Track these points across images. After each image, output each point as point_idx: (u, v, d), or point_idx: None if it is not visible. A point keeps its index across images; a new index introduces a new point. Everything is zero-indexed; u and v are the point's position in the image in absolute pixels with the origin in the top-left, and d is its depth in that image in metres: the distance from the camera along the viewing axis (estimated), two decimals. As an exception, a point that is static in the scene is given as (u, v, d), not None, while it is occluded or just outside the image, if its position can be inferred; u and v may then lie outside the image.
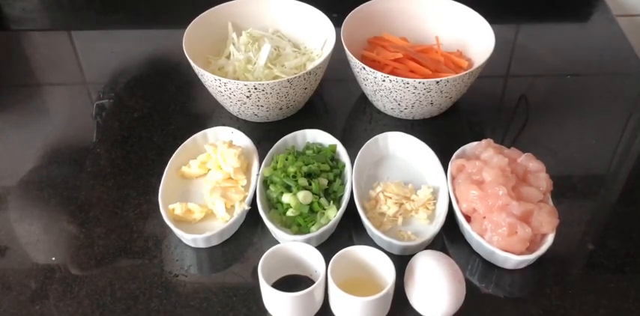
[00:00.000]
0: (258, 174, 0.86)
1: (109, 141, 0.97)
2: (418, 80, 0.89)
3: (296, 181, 0.82)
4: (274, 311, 0.74)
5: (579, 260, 0.82)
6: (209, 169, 0.88)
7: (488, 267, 0.80)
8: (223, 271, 0.81)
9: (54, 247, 0.83)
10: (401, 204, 0.84)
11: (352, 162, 0.86)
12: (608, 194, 0.91)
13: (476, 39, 0.99)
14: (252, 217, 0.84)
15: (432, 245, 0.82)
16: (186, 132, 0.93)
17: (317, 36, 1.01)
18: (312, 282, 0.73)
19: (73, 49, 1.17)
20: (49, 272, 0.80)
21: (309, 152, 0.88)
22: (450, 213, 0.82)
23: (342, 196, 0.84)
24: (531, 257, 0.76)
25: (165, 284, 0.79)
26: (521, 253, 0.77)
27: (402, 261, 0.76)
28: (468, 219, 0.81)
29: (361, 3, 1.01)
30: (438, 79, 0.89)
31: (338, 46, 0.94)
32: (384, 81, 0.91)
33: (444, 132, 0.98)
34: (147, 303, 0.77)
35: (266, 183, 0.85)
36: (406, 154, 0.91)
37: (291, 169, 0.83)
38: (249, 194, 0.84)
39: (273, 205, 0.84)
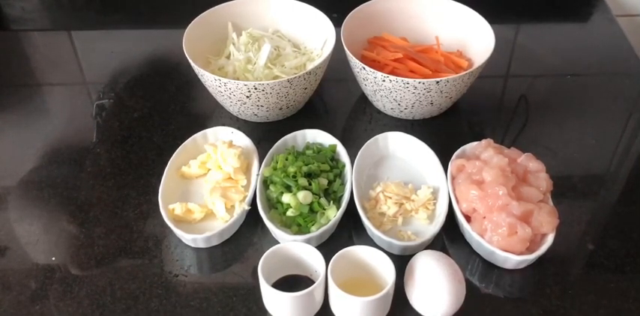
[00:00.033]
0: (258, 174, 0.86)
1: (109, 141, 0.97)
2: (418, 80, 0.89)
3: (296, 181, 0.82)
4: (274, 311, 0.74)
5: (579, 260, 0.83)
6: (209, 169, 0.88)
7: (488, 267, 0.80)
8: (223, 271, 0.81)
9: (54, 247, 0.83)
10: (401, 204, 0.84)
11: (352, 162, 0.86)
12: (608, 194, 0.91)
13: (476, 39, 0.99)
14: (252, 217, 0.84)
15: (432, 245, 0.82)
16: (186, 132, 0.93)
17: (317, 36, 1.02)
18: (312, 282, 0.73)
19: (73, 49, 1.17)
20: (49, 272, 0.80)
21: (309, 152, 0.88)
22: (450, 213, 0.82)
23: (342, 196, 0.84)
24: (531, 257, 0.76)
25: (165, 284, 0.79)
26: (521, 253, 0.77)
27: (402, 261, 0.76)
28: (468, 219, 0.81)
29: (361, 3, 1.01)
30: (438, 79, 0.89)
31: (338, 46, 0.94)
32: (384, 81, 0.91)
33: (444, 132, 0.98)
34: (147, 303, 0.77)
35: (266, 183, 0.85)
36: (406, 154, 0.91)
37: (291, 169, 0.83)
38: (249, 194, 0.84)
39: (273, 205, 0.84)
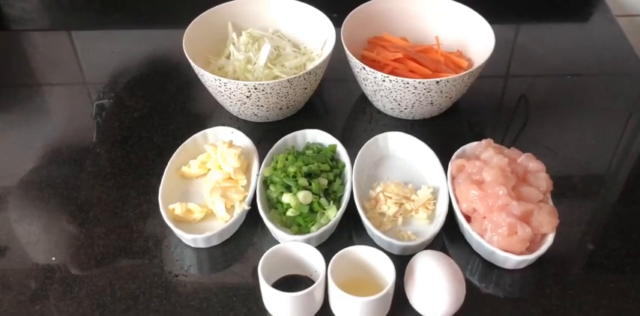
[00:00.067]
0: (258, 174, 0.86)
1: (109, 141, 0.97)
2: (418, 80, 0.89)
3: (296, 181, 0.82)
4: (274, 311, 0.74)
5: (579, 260, 0.83)
6: (209, 169, 0.88)
7: (488, 267, 0.80)
8: (223, 271, 0.81)
9: (54, 247, 0.83)
10: (401, 204, 0.84)
11: (352, 162, 0.86)
12: (608, 194, 0.91)
13: (476, 39, 0.99)
14: (252, 217, 0.84)
15: (432, 245, 0.82)
16: (186, 132, 0.93)
17: (317, 36, 1.01)
18: (312, 282, 0.73)
19: (73, 49, 1.17)
20: (49, 272, 0.80)
21: (309, 152, 0.88)
22: (450, 213, 0.82)
23: (342, 196, 0.84)
24: (531, 257, 0.76)
25: (165, 284, 0.79)
26: (521, 253, 0.77)
27: (402, 261, 0.76)
28: (468, 219, 0.81)
29: (361, 3, 1.01)
30: (438, 79, 0.89)
31: (338, 46, 0.94)
32: (384, 81, 0.91)
33: (444, 132, 0.98)
34: (147, 303, 0.77)
35: (266, 183, 0.85)
36: (406, 154, 0.91)
37: (291, 169, 0.83)
38: (249, 194, 0.84)
39: (273, 205, 0.84)
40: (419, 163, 0.90)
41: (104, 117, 1.01)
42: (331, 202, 0.82)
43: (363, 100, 1.03)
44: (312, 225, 0.80)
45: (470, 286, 0.75)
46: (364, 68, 0.91)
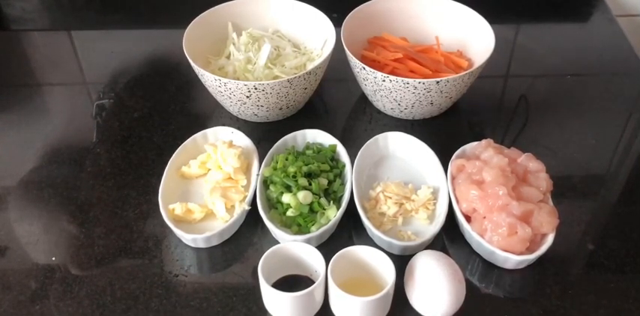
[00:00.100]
0: (258, 174, 0.86)
1: (109, 141, 0.97)
2: (418, 80, 0.89)
3: (296, 181, 0.82)
4: (274, 311, 0.74)
5: (579, 260, 0.83)
6: (209, 169, 0.88)
7: (488, 267, 0.80)
8: (223, 271, 0.81)
9: (54, 247, 0.83)
10: (401, 204, 0.84)
11: (352, 162, 0.86)
12: (608, 194, 0.91)
13: (476, 39, 0.99)
14: (252, 217, 0.84)
15: (432, 245, 0.82)
16: (186, 132, 0.93)
17: (317, 36, 1.01)
18: (312, 282, 0.73)
19: (73, 49, 1.17)
20: (49, 272, 0.80)
21: (309, 152, 0.88)
22: (450, 213, 0.82)
23: (342, 196, 0.84)
24: (531, 257, 0.76)
25: (165, 284, 0.79)
26: (521, 253, 0.77)
27: (402, 261, 0.76)
28: (468, 219, 0.81)
29: (361, 3, 1.01)
30: (438, 79, 0.89)
31: (338, 46, 0.94)
32: (384, 81, 0.91)
33: (444, 132, 0.98)
34: (147, 303, 0.77)
35: (266, 183, 0.85)
36: (406, 154, 0.91)
37: (291, 169, 0.83)
38: (249, 194, 0.84)
39: (273, 205, 0.84)
40: (419, 163, 0.90)
41: (104, 117, 1.01)
42: (331, 202, 0.82)
43: (363, 100, 1.03)
44: (312, 225, 0.80)
45: (470, 286, 0.75)
46: (364, 68, 0.91)
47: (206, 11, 1.00)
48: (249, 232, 0.84)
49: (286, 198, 0.81)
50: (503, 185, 0.78)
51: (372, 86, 0.94)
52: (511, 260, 0.77)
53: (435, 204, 0.85)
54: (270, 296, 0.72)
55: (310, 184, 0.82)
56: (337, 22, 0.98)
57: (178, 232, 0.80)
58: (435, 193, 0.85)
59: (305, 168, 0.83)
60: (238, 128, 0.92)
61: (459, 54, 1.03)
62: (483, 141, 0.87)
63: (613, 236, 0.84)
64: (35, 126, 1.00)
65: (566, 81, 1.09)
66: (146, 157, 0.94)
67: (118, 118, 1.01)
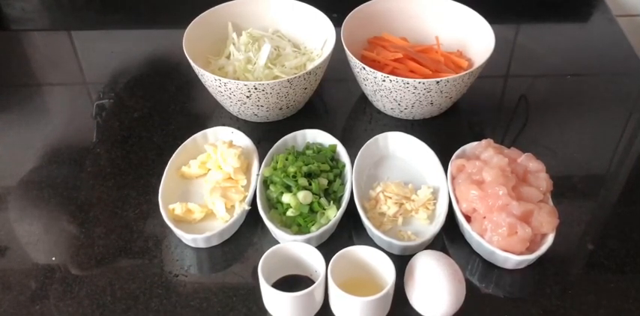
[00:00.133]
0: (258, 174, 0.86)
1: (109, 141, 0.97)
2: (418, 80, 0.89)
3: (296, 181, 0.82)
4: (274, 311, 0.74)
5: (579, 260, 0.83)
6: (209, 169, 0.88)
7: (488, 267, 0.80)
8: (223, 271, 0.81)
9: (54, 247, 0.83)
10: (401, 204, 0.84)
11: (352, 162, 0.86)
12: (608, 194, 0.91)
13: (476, 39, 0.99)
14: (252, 217, 0.84)
15: (432, 245, 0.82)
16: (186, 132, 0.93)
17: (317, 36, 1.01)
18: (312, 282, 0.73)
19: (73, 49, 1.17)
20: (49, 272, 0.80)
21: (309, 152, 0.88)
22: (450, 213, 0.82)
23: (342, 196, 0.84)
24: (531, 257, 0.76)
25: (165, 284, 0.79)
26: (521, 253, 0.77)
27: (402, 261, 0.76)
28: (468, 219, 0.81)
29: (361, 3, 1.01)
30: (438, 79, 0.89)
31: (338, 46, 0.94)
32: (384, 81, 0.91)
33: (444, 132, 0.98)
34: (147, 303, 0.77)
35: (266, 183, 0.85)
36: (406, 154, 0.91)
37: (291, 169, 0.83)
38: (249, 194, 0.84)
39: (273, 205, 0.84)
40: (419, 163, 0.90)
41: (104, 117, 1.01)
42: (331, 202, 0.82)
43: (363, 100, 1.03)
44: (312, 225, 0.80)
45: (470, 286, 0.75)
46: (364, 68, 0.91)
47: (206, 11, 1.00)
48: (249, 232, 0.84)
49: (286, 198, 0.81)
50: (503, 185, 0.78)
51: (372, 86, 0.94)
52: (511, 260, 0.77)
53: (435, 204, 0.85)
54: (270, 296, 0.72)
55: (310, 184, 0.82)
56: (337, 22, 0.98)
57: (178, 232, 0.80)
58: (435, 193, 0.85)
59: (305, 168, 0.83)
60: (238, 128, 0.92)
61: (459, 54, 1.03)
62: (483, 141, 0.87)
63: (613, 236, 0.84)
64: (35, 126, 1.00)
65: (566, 81, 1.09)
66: (146, 157, 0.94)
67: (118, 118, 1.01)
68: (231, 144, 0.87)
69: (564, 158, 0.94)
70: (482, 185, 0.80)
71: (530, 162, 0.83)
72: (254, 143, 0.90)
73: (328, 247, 0.80)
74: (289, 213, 0.81)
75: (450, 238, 0.83)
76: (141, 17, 1.24)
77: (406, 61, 0.99)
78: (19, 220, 0.87)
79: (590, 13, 1.23)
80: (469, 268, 0.80)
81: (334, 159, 0.89)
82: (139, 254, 0.82)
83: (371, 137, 0.90)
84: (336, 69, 0.99)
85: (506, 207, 0.77)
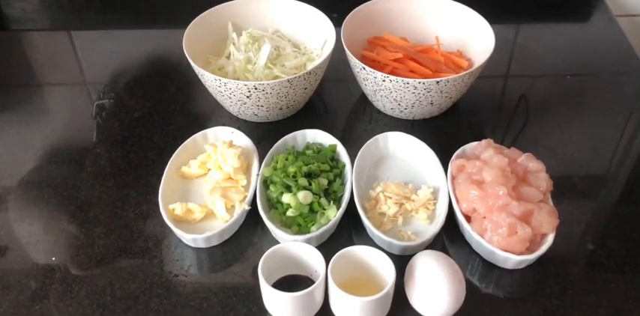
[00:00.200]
0: (258, 174, 0.86)
1: (109, 141, 0.97)
2: (418, 80, 0.89)
3: (296, 181, 0.82)
4: (274, 311, 0.74)
5: (579, 260, 0.83)
6: (209, 169, 0.88)
7: (488, 267, 0.80)
8: (223, 271, 0.81)
9: (54, 247, 0.83)
10: (401, 204, 0.84)
11: (352, 162, 0.86)
12: (608, 194, 0.91)
13: (476, 39, 0.99)
14: (252, 217, 0.84)
15: (432, 245, 0.82)
16: (186, 132, 0.93)
17: (317, 36, 1.01)
18: (312, 282, 0.73)
19: (73, 49, 1.17)
20: (49, 272, 0.80)
21: (309, 152, 0.88)
22: (450, 213, 0.82)
23: (342, 196, 0.84)
24: (531, 257, 0.76)
25: (165, 284, 0.79)
26: (521, 253, 0.77)
27: (402, 261, 0.76)
28: (468, 219, 0.81)
29: (361, 3, 1.01)
30: (438, 79, 0.89)
31: (338, 46, 0.94)
32: (384, 81, 0.91)
33: (444, 132, 0.98)
34: (147, 303, 0.77)
35: (266, 183, 0.85)
36: (406, 154, 0.91)
37: (291, 169, 0.83)
38: (249, 194, 0.84)
39: (273, 205, 0.84)
40: (419, 163, 0.90)
41: (104, 117, 1.01)
42: (331, 202, 0.82)
43: (363, 100, 1.03)
44: (312, 225, 0.80)
45: (470, 286, 0.75)
46: (364, 68, 0.91)
47: (206, 11, 1.00)
48: (249, 232, 0.84)
49: (286, 198, 0.81)
50: (503, 185, 0.78)
51: (372, 86, 0.94)
52: (511, 260, 0.77)
53: (435, 204, 0.85)
54: (270, 296, 0.72)
55: (310, 184, 0.82)
56: (337, 22, 0.98)
57: (178, 232, 0.80)
58: (435, 193, 0.85)
59: (305, 168, 0.83)
60: (238, 128, 0.92)
61: (459, 54, 1.03)
62: (483, 141, 0.87)
63: (613, 236, 0.84)
64: (35, 126, 1.00)
65: (566, 81, 1.08)
66: (146, 157, 0.94)
67: (118, 118, 1.01)
68: (231, 144, 0.87)
69: (564, 158, 0.94)
70: (482, 185, 0.80)
71: (530, 162, 0.83)
72: (254, 143, 0.90)
73: (328, 247, 0.80)
74: (289, 213, 0.81)
75: (450, 238, 0.83)
76: (141, 17, 1.24)
77: (406, 61, 0.99)
78: (19, 220, 0.87)
79: (590, 13, 1.23)
80: (469, 268, 0.80)
81: (334, 159, 0.89)
82: (139, 254, 0.82)
83: (371, 137, 0.90)
84: (336, 69, 0.99)
85: (506, 207, 0.77)
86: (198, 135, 0.91)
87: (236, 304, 0.77)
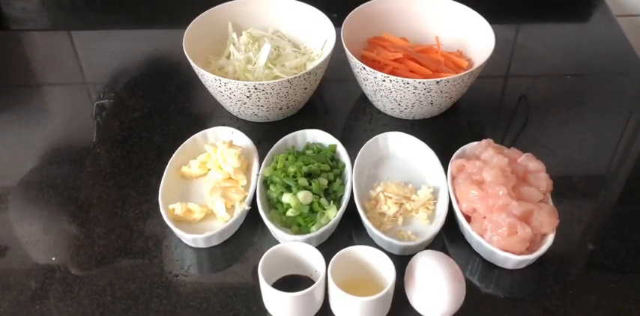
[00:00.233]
0: (258, 174, 0.86)
1: (109, 141, 0.97)
2: (418, 80, 0.89)
3: (296, 181, 0.82)
4: (274, 311, 0.74)
5: (579, 260, 0.83)
6: (209, 169, 0.88)
7: (488, 267, 0.80)
8: (223, 271, 0.81)
9: (54, 247, 0.83)
10: (401, 204, 0.84)
11: (352, 162, 0.86)
12: (608, 194, 0.91)
13: (476, 39, 0.99)
14: (252, 217, 0.84)
15: (432, 245, 0.82)
16: (186, 132, 0.93)
17: (317, 36, 1.02)
18: (312, 282, 0.73)
19: (73, 49, 1.17)
20: (49, 272, 0.80)
21: (309, 152, 0.88)
22: (450, 213, 0.82)
23: (342, 196, 0.84)
24: (531, 257, 0.76)
25: (165, 284, 0.79)
26: (521, 253, 0.77)
27: (402, 261, 0.76)
28: (468, 219, 0.81)
29: (361, 3, 1.01)
30: (438, 79, 0.89)
31: (338, 46, 0.94)
32: (384, 81, 0.91)
33: (444, 132, 0.98)
34: (147, 303, 0.77)
35: (266, 183, 0.85)
36: (406, 154, 0.91)
37: (291, 169, 0.83)
38: (249, 194, 0.84)
39: (273, 205, 0.84)
40: (419, 163, 0.90)
41: (104, 117, 1.01)
42: (331, 202, 0.82)
43: (363, 100, 1.03)
44: (312, 225, 0.80)
45: (470, 286, 0.75)
46: (364, 68, 0.91)
47: (206, 11, 1.00)
48: (249, 232, 0.84)
49: (286, 198, 0.81)
50: (503, 185, 0.78)
51: (372, 86, 0.94)
52: (511, 260, 0.77)
53: (435, 204, 0.85)
54: (270, 296, 0.72)
55: (310, 184, 0.82)
56: (337, 22, 0.98)
57: (178, 232, 0.80)
58: (435, 193, 0.85)
59: (305, 168, 0.83)
60: (238, 128, 0.92)
61: (459, 54, 1.03)
62: (483, 141, 0.87)
63: (613, 236, 0.84)
64: (35, 126, 1.00)
65: (566, 81, 1.08)
66: (146, 157, 0.94)
67: (118, 118, 1.01)
68: (231, 144, 0.87)
69: (564, 158, 0.94)
70: (482, 185, 0.80)
71: (530, 162, 0.83)
72: (254, 143, 0.90)
73: (328, 247, 0.80)
74: (289, 213, 0.81)
75: (450, 238, 0.83)
76: (141, 17, 1.24)
77: (406, 61, 0.99)
78: (19, 220, 0.87)
79: (590, 13, 1.23)
80: (469, 268, 0.80)
81: (334, 159, 0.89)
82: (139, 254, 0.82)
83: (371, 137, 0.90)
84: (336, 69, 0.99)
85: (506, 207, 0.77)
86: (198, 135, 0.91)
87: (236, 304, 0.77)
